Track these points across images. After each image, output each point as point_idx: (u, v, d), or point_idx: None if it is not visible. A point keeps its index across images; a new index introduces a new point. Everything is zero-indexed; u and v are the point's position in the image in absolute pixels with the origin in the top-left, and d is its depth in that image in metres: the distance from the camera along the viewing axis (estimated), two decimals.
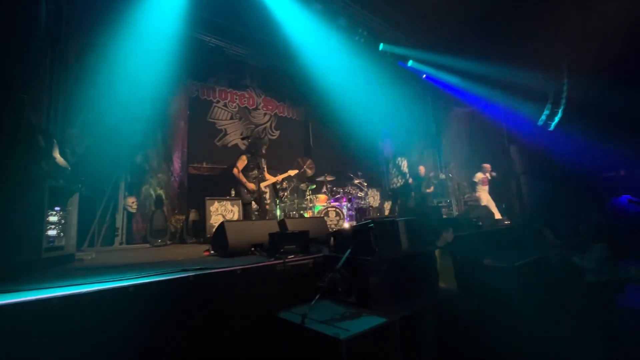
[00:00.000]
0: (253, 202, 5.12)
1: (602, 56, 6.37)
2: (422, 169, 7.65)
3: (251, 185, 4.94)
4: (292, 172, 5.76)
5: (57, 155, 3.18)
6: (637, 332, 2.97)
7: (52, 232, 2.94)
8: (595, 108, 6.75)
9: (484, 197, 7.17)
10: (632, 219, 5.71)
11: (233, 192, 6.79)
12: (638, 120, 6.26)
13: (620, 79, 6.40)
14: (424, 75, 9.10)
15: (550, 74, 7.53)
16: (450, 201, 8.15)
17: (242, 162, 4.95)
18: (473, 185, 7.39)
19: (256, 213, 5.47)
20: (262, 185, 5.12)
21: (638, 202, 5.71)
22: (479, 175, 7.26)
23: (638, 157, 6.52)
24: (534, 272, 4.00)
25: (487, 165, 7.30)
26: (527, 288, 3.67)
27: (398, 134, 10.17)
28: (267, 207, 5.53)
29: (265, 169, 5.25)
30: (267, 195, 6.63)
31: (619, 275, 3.55)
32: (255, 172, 5.02)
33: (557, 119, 7.45)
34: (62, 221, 3.11)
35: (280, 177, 5.59)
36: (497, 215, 6.65)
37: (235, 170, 4.89)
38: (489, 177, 7.25)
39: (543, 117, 7.53)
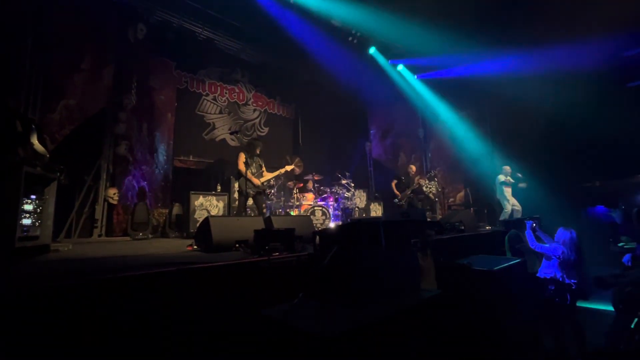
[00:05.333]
0: (250, 199, 5.15)
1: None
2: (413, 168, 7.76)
3: (256, 181, 5.02)
4: (289, 168, 5.74)
5: (35, 141, 3.06)
6: (597, 332, 3.10)
7: (26, 221, 2.82)
8: (575, 120, 7.03)
9: (509, 199, 6.93)
10: (605, 228, 5.97)
11: (219, 187, 6.70)
12: (614, 135, 6.56)
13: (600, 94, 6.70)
14: (416, 76, 9.21)
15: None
16: (434, 204, 8.29)
17: (242, 159, 5.02)
18: (499, 187, 7.05)
19: (248, 210, 5.47)
20: (261, 180, 5.15)
21: (613, 212, 5.98)
22: (502, 178, 7.03)
23: (613, 169, 6.83)
24: (512, 277, 4.11)
25: (507, 168, 7.09)
26: (506, 292, 3.77)
27: (386, 136, 10.28)
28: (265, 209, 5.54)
29: (264, 166, 5.31)
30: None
31: (583, 281, 3.66)
32: (253, 169, 5.11)
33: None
34: (38, 210, 2.99)
35: (277, 173, 5.56)
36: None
37: (240, 166, 4.97)
38: (511, 180, 6.99)
39: None
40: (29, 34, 4.67)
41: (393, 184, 7.61)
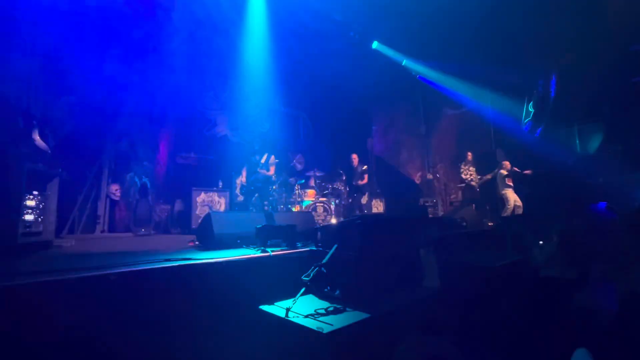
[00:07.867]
0: (252, 195, 5.18)
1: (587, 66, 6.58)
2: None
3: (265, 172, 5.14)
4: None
5: (37, 137, 3.06)
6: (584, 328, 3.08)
7: (29, 217, 2.83)
8: (579, 116, 6.99)
9: (511, 196, 6.97)
10: (607, 225, 5.93)
11: (221, 184, 6.71)
12: (617, 130, 6.50)
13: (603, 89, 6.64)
14: (417, 76, 9.13)
15: (537, 79, 7.69)
16: (436, 201, 8.27)
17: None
18: (498, 183, 7.15)
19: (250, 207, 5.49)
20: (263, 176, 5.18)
21: (615, 209, 5.93)
22: (502, 173, 7.08)
23: (617, 166, 6.77)
24: (514, 274, 4.10)
25: (507, 163, 7.08)
26: (507, 288, 3.76)
27: (388, 133, 10.24)
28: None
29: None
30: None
31: (575, 274, 3.67)
32: (255, 166, 5.19)
33: (542, 126, 7.65)
34: (40, 206, 2.99)
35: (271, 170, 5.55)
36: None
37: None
38: (511, 171, 7.01)
39: (527, 121, 7.71)
40: (30, 32, 4.65)
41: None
